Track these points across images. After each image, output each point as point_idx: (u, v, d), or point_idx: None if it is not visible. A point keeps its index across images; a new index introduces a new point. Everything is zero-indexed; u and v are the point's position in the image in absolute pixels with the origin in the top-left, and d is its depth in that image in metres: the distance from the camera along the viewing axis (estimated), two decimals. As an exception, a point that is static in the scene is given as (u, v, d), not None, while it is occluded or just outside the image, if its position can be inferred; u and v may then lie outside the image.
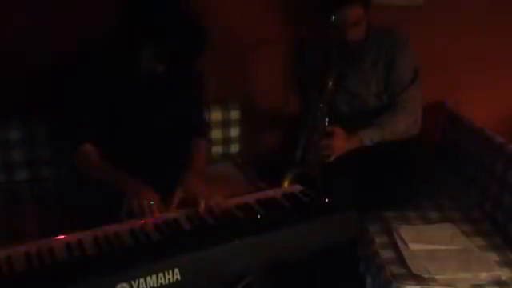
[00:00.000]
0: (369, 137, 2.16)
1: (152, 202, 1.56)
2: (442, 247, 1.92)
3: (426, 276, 1.76)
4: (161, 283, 1.28)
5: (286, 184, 2.10)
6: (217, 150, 2.50)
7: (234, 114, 2.48)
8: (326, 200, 1.67)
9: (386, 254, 1.90)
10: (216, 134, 2.47)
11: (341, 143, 2.13)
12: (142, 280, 1.26)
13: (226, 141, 2.51)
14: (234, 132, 2.50)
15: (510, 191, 2.04)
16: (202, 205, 1.60)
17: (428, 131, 2.47)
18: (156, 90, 1.82)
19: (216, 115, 2.44)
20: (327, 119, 2.20)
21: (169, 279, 1.29)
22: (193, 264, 1.34)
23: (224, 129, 2.48)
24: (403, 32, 2.26)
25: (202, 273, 1.36)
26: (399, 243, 1.93)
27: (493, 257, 1.89)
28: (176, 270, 1.30)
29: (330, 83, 2.19)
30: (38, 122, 2.14)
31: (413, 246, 1.91)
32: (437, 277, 1.75)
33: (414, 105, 2.25)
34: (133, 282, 1.25)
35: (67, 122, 1.81)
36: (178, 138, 1.90)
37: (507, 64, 2.79)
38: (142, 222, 1.52)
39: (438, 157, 2.62)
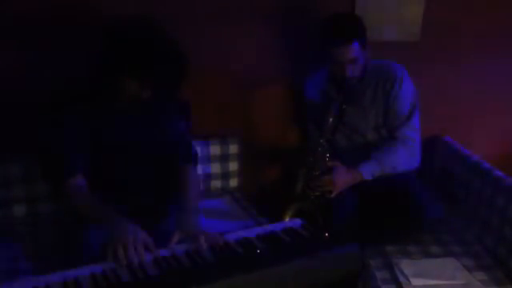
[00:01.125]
0: (369, 171, 2.16)
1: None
2: (445, 282, 1.89)
3: (429, 312, 1.74)
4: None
5: (286, 219, 2.09)
6: (216, 184, 2.49)
7: (233, 149, 2.48)
8: (327, 235, 1.66)
9: (388, 289, 1.88)
10: (215, 168, 2.47)
11: (342, 179, 2.14)
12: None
13: (225, 175, 2.50)
14: (233, 166, 2.50)
15: (511, 225, 2.03)
16: (203, 242, 1.58)
17: (427, 165, 2.47)
18: (142, 117, 1.82)
19: (215, 149, 2.44)
20: (328, 155, 2.20)
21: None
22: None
23: (223, 163, 2.48)
24: (401, 66, 2.28)
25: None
26: (401, 278, 1.91)
27: (495, 292, 1.87)
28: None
29: (331, 119, 2.19)
30: (37, 158, 2.13)
31: (415, 282, 1.89)
32: (440, 313, 1.73)
33: (413, 138, 2.26)
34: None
35: (56, 157, 1.78)
36: (165, 164, 1.89)
37: (506, 98, 2.82)
38: None
39: (437, 190, 2.61)
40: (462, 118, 2.77)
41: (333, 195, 2.13)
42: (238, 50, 2.40)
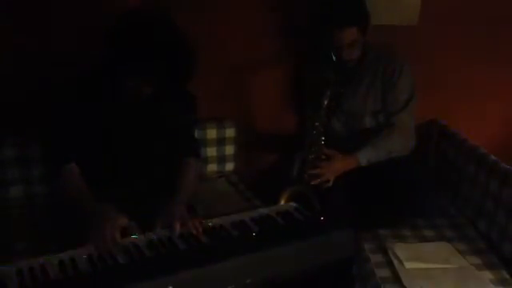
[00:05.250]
0: (365, 157, 2.17)
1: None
2: (438, 266, 1.91)
3: (422, 295, 1.75)
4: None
5: (283, 202, 2.10)
6: (212, 167, 2.49)
7: (229, 132, 2.48)
8: (321, 218, 1.67)
9: (382, 272, 1.89)
10: (211, 151, 2.46)
11: (338, 165, 2.15)
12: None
13: (221, 159, 2.50)
14: (229, 150, 2.50)
15: (505, 209, 2.05)
16: (178, 227, 1.58)
17: (422, 149, 2.48)
18: (143, 111, 1.80)
19: (211, 133, 2.44)
20: (323, 138, 2.20)
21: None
22: (187, 282, 1.33)
23: (219, 147, 2.48)
24: (402, 52, 2.27)
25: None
26: (395, 262, 1.93)
27: (488, 275, 1.89)
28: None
29: (326, 102, 2.19)
30: (32, 139, 2.13)
31: (408, 265, 1.90)
32: (433, 296, 1.75)
33: (409, 125, 2.27)
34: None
35: (54, 142, 1.80)
36: (167, 158, 1.89)
37: (502, 83, 2.81)
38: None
39: (432, 175, 2.62)
40: (460, 103, 2.77)
41: (329, 184, 2.13)
42: (235, 32, 2.38)
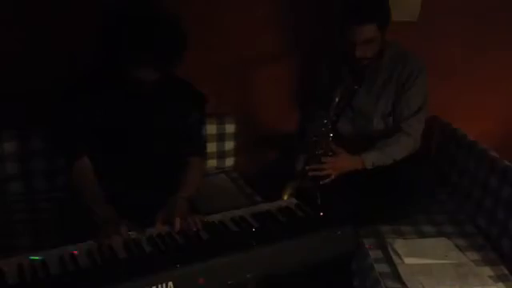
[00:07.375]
0: (371, 160, 2.15)
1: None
2: (437, 262, 1.92)
3: (421, 291, 1.75)
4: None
5: (285, 197, 2.09)
6: (211, 163, 2.49)
7: (229, 128, 2.48)
8: (321, 214, 1.67)
9: (381, 268, 1.89)
10: (211, 147, 2.46)
11: (343, 163, 2.13)
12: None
13: (221, 154, 2.50)
14: (229, 145, 2.50)
15: (504, 206, 2.05)
16: (178, 224, 1.59)
17: (423, 146, 2.48)
18: (149, 109, 1.80)
19: (211, 128, 2.44)
20: (331, 135, 2.18)
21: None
22: (187, 278, 1.34)
23: (219, 142, 2.48)
24: (420, 59, 2.25)
25: (197, 286, 1.35)
26: (394, 257, 1.93)
27: (487, 271, 1.90)
28: (170, 284, 1.30)
29: (337, 99, 2.15)
30: (33, 135, 2.13)
31: (408, 261, 1.91)
32: (432, 291, 1.75)
33: (417, 131, 2.25)
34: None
35: (64, 138, 1.80)
36: (171, 156, 1.88)
37: (502, 79, 2.81)
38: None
39: (432, 171, 2.63)
40: (460, 99, 2.77)
41: (329, 180, 2.12)
42: (237, 25, 2.38)
